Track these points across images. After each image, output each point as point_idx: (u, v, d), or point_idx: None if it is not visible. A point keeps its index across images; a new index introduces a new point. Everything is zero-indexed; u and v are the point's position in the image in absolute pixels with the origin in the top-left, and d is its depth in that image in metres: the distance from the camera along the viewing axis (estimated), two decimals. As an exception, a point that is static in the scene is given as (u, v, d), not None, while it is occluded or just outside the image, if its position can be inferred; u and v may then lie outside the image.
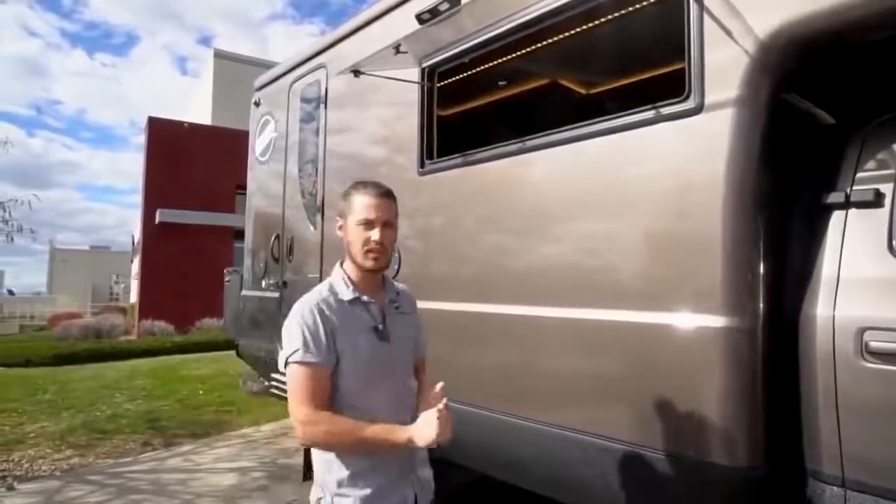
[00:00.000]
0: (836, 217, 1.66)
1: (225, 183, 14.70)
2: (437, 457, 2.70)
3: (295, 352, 1.36)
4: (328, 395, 1.38)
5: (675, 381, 1.80)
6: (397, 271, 2.92)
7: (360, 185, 1.49)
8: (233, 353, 4.71)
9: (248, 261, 4.59)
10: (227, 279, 5.14)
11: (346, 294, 1.45)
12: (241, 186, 16.07)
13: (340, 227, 1.50)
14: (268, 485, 3.78)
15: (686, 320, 1.76)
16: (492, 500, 3.22)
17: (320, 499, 1.43)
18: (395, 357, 1.50)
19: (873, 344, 1.48)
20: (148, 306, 13.94)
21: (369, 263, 1.45)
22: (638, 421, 1.88)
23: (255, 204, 4.56)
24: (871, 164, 1.66)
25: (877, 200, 1.60)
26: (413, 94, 2.88)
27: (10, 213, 6.38)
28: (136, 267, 23.11)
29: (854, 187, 1.65)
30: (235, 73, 18.64)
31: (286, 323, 1.42)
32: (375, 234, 1.43)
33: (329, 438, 1.35)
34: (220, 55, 19.66)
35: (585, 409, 2.05)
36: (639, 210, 1.93)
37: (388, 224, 1.46)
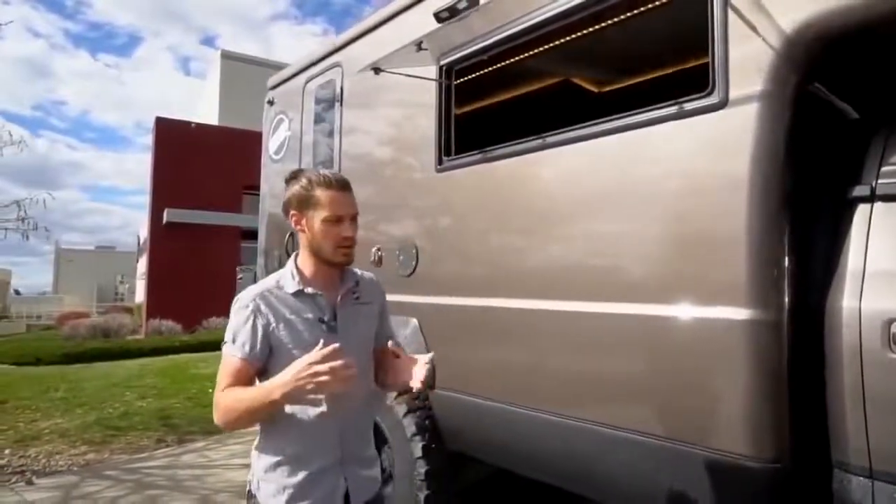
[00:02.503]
0: (862, 210, 1.68)
1: (232, 183, 14.79)
2: (455, 451, 2.74)
3: (224, 343, 1.39)
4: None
5: (700, 375, 1.81)
6: (415, 268, 2.94)
7: (321, 178, 1.43)
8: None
9: (261, 259, 4.61)
10: (239, 276, 5.18)
11: (291, 287, 1.43)
12: (249, 187, 16.13)
13: (297, 221, 1.45)
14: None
15: (711, 313, 1.77)
16: (505, 496, 3.24)
17: (250, 482, 1.44)
18: (345, 348, 1.39)
19: (900, 335, 1.49)
20: (155, 306, 14.03)
21: (340, 259, 1.44)
22: (663, 414, 1.90)
23: (269, 202, 4.58)
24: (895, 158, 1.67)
25: (902, 194, 1.61)
26: (430, 92, 2.90)
27: (25, 210, 6.46)
28: (141, 267, 23.24)
29: (879, 181, 1.66)
30: (242, 73, 18.74)
31: (230, 310, 1.43)
32: (347, 231, 1.42)
33: (228, 415, 1.31)
34: (227, 56, 19.75)
35: (610, 402, 2.07)
36: (663, 205, 1.94)
37: (355, 218, 1.46)
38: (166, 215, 14.33)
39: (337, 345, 1.23)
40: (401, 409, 2.84)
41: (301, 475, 1.37)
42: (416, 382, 1.36)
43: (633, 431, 1.95)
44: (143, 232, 21.04)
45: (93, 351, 10.61)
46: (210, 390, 7.02)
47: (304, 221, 1.44)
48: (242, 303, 1.40)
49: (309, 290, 1.44)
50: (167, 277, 14.29)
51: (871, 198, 1.66)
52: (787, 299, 1.69)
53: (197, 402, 6.36)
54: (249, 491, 1.44)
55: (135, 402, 6.43)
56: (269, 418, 1.36)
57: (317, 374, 1.19)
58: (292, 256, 1.52)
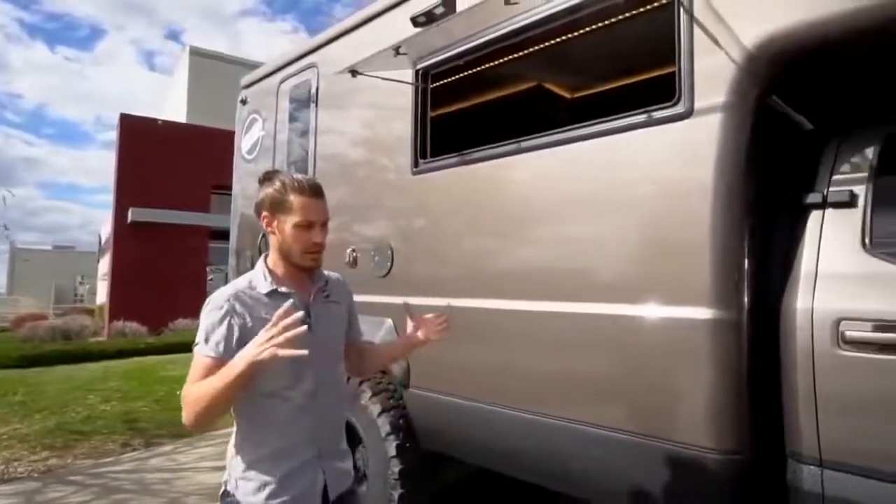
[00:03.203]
0: (815, 216, 1.79)
1: (200, 182, 14.50)
2: (432, 451, 2.78)
3: (197, 343, 1.38)
4: None
5: (667, 372, 1.90)
6: (390, 269, 2.97)
7: (295, 182, 1.46)
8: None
9: (232, 260, 4.57)
10: (210, 277, 5.13)
11: (265, 287, 1.45)
12: (218, 186, 15.84)
13: (268, 223, 1.48)
14: (255, 482, 3.78)
15: (677, 313, 1.86)
16: (483, 495, 3.29)
17: (226, 482, 1.44)
18: (320, 346, 1.48)
19: (849, 333, 1.60)
20: (119, 307, 13.63)
21: (309, 263, 1.47)
22: (632, 411, 1.98)
23: (241, 203, 4.55)
24: (845, 167, 1.79)
25: (851, 201, 1.73)
26: (406, 95, 2.94)
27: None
28: (103, 267, 22.55)
29: (830, 189, 1.78)
30: (211, 70, 18.41)
31: (201, 312, 1.43)
32: (317, 236, 1.45)
33: (197, 405, 1.30)
34: (195, 52, 19.38)
35: (583, 400, 2.14)
36: (631, 209, 2.03)
37: (326, 224, 1.49)
38: (131, 214, 13.96)
39: (298, 312, 1.27)
40: (375, 408, 2.86)
41: (281, 471, 1.39)
42: (431, 334, 1.63)
43: (605, 428, 2.03)
44: (106, 231, 20.45)
45: (52, 353, 10.26)
46: (178, 392, 6.88)
47: (275, 224, 1.47)
48: (216, 304, 1.41)
49: (283, 289, 1.46)
50: (131, 278, 13.91)
51: (823, 204, 1.77)
52: (746, 300, 1.79)
53: (165, 404, 6.23)
54: (225, 491, 1.44)
55: (98, 405, 6.26)
56: (238, 401, 1.37)
57: (272, 336, 1.22)
58: (262, 258, 1.54)
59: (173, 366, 8.98)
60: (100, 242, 26.32)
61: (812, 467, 1.66)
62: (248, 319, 1.40)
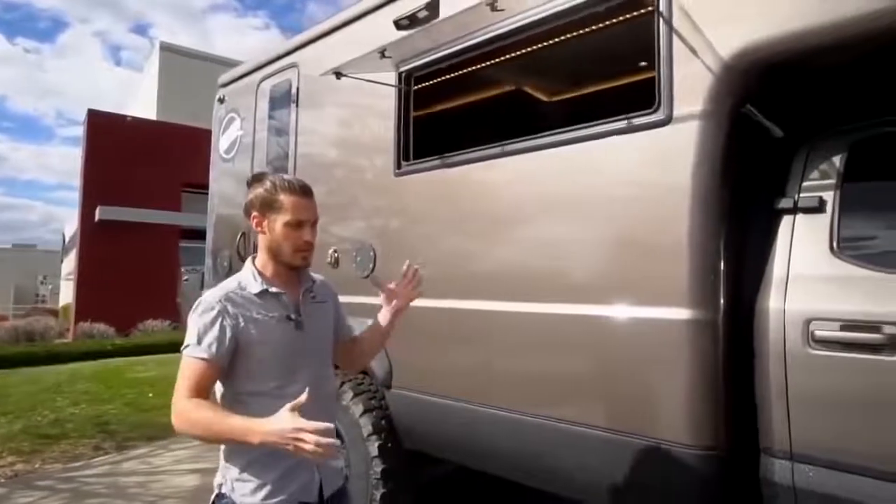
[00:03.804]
0: (786, 221, 1.87)
1: (171, 180, 14.23)
2: (413, 450, 2.80)
3: (187, 346, 1.38)
4: (209, 390, 1.39)
5: (646, 371, 1.96)
6: (372, 269, 2.98)
7: (285, 183, 1.49)
8: (180, 355, 4.60)
9: (209, 260, 4.51)
10: (185, 278, 5.05)
11: (255, 287, 1.47)
12: (189, 184, 15.53)
13: (258, 223, 1.50)
14: (233, 485, 3.74)
15: (656, 314, 1.92)
16: (465, 493, 3.33)
17: (221, 485, 1.44)
18: (311, 345, 1.52)
19: (818, 333, 1.68)
20: (85, 308, 13.27)
21: (299, 261, 1.50)
22: (612, 408, 2.04)
23: (218, 202, 4.49)
24: (815, 174, 1.87)
25: (820, 206, 1.81)
26: (389, 98, 2.95)
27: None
28: (67, 266, 21.87)
29: (801, 194, 1.86)
30: (182, 67, 18.05)
31: (189, 315, 1.43)
32: (307, 235, 1.48)
33: (192, 428, 1.30)
34: (166, 48, 18.96)
35: (564, 398, 2.19)
36: (611, 213, 2.09)
37: (315, 223, 1.52)
38: (99, 213, 13.60)
39: (331, 425, 1.22)
40: (357, 409, 2.87)
41: (277, 471, 1.40)
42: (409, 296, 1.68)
43: (586, 425, 2.08)
44: (70, 229, 19.86)
45: (16, 356, 9.93)
46: (150, 395, 6.76)
47: (265, 223, 1.49)
48: (208, 305, 1.41)
49: (273, 289, 1.48)
50: (99, 278, 13.55)
51: (794, 210, 1.85)
52: (723, 301, 1.86)
53: (136, 406, 6.11)
54: (220, 493, 1.44)
55: (67, 408, 6.10)
56: (229, 403, 1.41)
57: (303, 441, 1.17)
58: (249, 259, 1.55)
59: (143, 367, 8.79)
60: (63, 241, 25.54)
61: (783, 461, 1.73)
62: (241, 320, 1.41)
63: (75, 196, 14.49)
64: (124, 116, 15.36)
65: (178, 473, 3.99)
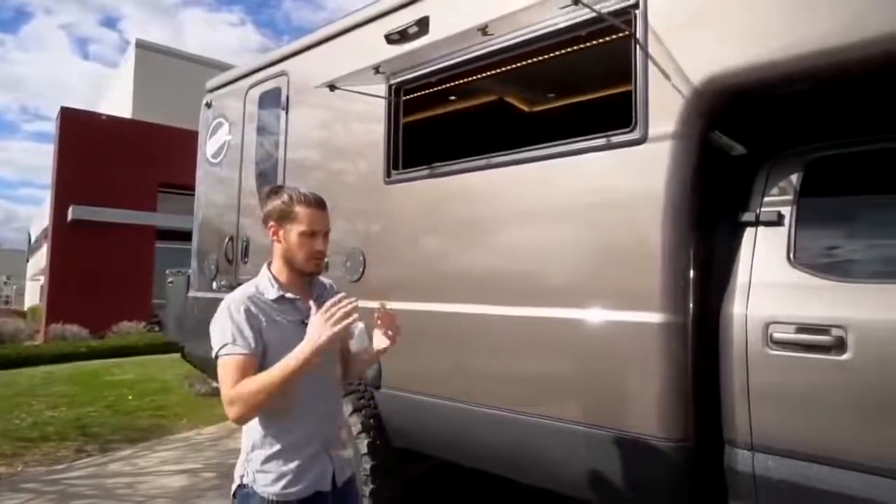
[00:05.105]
0: (749, 233, 2.05)
1: (147, 180, 14.04)
2: (401, 446, 2.92)
3: (224, 346, 1.46)
4: None
5: (621, 370, 2.12)
6: (362, 273, 3.10)
7: (301, 196, 1.60)
8: (158, 357, 4.63)
9: (195, 262, 4.57)
10: (169, 280, 5.06)
11: (272, 293, 1.57)
12: (165, 184, 15.28)
13: (274, 233, 1.60)
14: (220, 484, 3.80)
15: (631, 317, 2.08)
16: (450, 488, 3.45)
17: (243, 476, 1.56)
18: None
19: (776, 335, 1.86)
20: (57, 309, 13.00)
21: (311, 268, 1.63)
22: (590, 405, 2.20)
23: (205, 205, 4.54)
24: (775, 189, 2.06)
25: (779, 220, 2.00)
26: (380, 108, 3.07)
27: None
28: (33, 267, 21.33)
29: (762, 209, 2.04)
30: (159, 65, 17.83)
31: (214, 319, 1.52)
32: (319, 244, 1.61)
33: (256, 397, 1.40)
34: (142, 45, 18.69)
35: (545, 396, 2.34)
36: (590, 223, 2.25)
37: (328, 234, 1.65)
38: (71, 212, 13.34)
39: (342, 294, 1.46)
40: (347, 408, 2.98)
41: (296, 462, 1.53)
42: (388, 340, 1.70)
43: (565, 421, 2.23)
44: (37, 229, 19.38)
45: (-15, 358, 9.72)
46: (129, 397, 6.73)
47: (281, 233, 1.61)
48: (237, 304, 1.51)
49: (289, 295, 1.61)
50: (71, 279, 13.29)
51: (756, 223, 2.04)
52: (691, 305, 2.04)
53: (117, 409, 6.08)
54: (241, 484, 1.56)
55: (45, 411, 6.04)
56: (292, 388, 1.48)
57: (333, 316, 1.38)
58: (265, 266, 1.67)
59: (120, 370, 8.70)
60: (30, 241, 24.90)
61: (745, 451, 1.91)
62: (264, 320, 1.52)
63: (40, 194, 14.37)
64: (99, 114, 15.10)
65: (165, 474, 4.03)
